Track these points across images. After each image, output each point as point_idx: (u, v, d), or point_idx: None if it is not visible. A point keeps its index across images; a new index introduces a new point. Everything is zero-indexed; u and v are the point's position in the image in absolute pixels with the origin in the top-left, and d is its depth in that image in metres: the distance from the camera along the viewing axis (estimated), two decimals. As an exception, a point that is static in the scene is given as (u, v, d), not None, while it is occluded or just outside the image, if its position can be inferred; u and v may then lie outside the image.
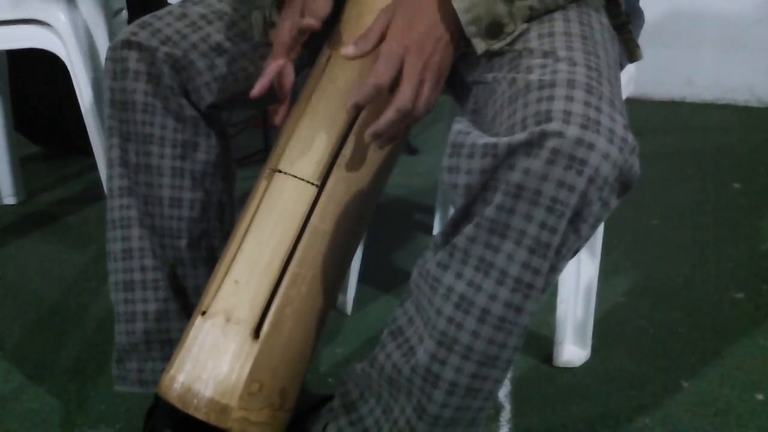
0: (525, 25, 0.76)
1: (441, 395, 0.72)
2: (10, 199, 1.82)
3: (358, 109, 0.78)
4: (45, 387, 1.16)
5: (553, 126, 0.63)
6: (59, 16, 1.31)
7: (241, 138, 2.14)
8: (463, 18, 0.74)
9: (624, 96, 1.09)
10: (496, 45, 0.76)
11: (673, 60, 2.67)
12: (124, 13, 1.59)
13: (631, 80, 1.14)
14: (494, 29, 0.75)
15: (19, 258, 1.58)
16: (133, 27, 0.94)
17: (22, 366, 1.21)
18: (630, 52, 0.94)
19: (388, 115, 0.75)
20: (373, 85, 0.74)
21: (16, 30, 1.34)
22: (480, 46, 0.75)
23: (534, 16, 0.77)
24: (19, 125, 2.01)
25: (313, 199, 0.85)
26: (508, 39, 0.76)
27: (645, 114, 2.54)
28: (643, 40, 0.97)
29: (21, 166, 1.86)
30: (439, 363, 0.71)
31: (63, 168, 2.04)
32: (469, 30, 0.74)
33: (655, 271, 1.52)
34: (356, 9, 0.90)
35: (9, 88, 1.79)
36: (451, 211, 0.75)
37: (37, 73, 1.96)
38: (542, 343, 1.26)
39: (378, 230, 1.66)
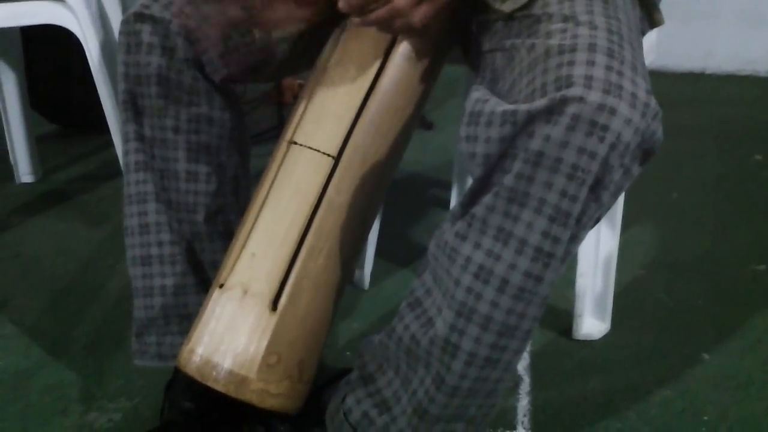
0: None
1: (460, 366, 0.71)
2: (27, 178, 1.83)
3: (348, 6, 0.76)
4: (64, 362, 1.16)
5: (574, 91, 0.62)
6: (72, -8, 1.31)
7: (255, 115, 2.14)
8: None
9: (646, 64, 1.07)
10: (513, 4, 0.74)
11: (693, 32, 2.62)
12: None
13: (652, 48, 1.12)
14: None
15: (37, 236, 1.59)
16: (145, 0, 0.93)
17: (40, 342, 1.22)
18: (650, 18, 0.92)
19: (380, 12, 0.74)
20: None
21: (28, 6, 1.34)
22: (496, 3, 0.73)
23: None
24: (35, 104, 2.01)
25: (329, 171, 0.84)
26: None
27: (664, 87, 2.49)
28: (664, 11, 0.95)
29: (37, 144, 1.86)
30: (457, 333, 0.70)
31: (79, 146, 2.04)
32: None
33: (675, 244, 1.51)
34: None
35: (24, 67, 1.79)
36: (469, 183, 0.74)
37: (52, 51, 1.96)
38: (561, 317, 1.25)
39: (394, 205, 1.65)
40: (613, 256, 1.19)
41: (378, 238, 1.37)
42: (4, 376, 1.14)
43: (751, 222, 1.58)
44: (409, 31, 0.79)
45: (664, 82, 2.55)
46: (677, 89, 2.50)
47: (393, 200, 1.68)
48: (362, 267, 1.35)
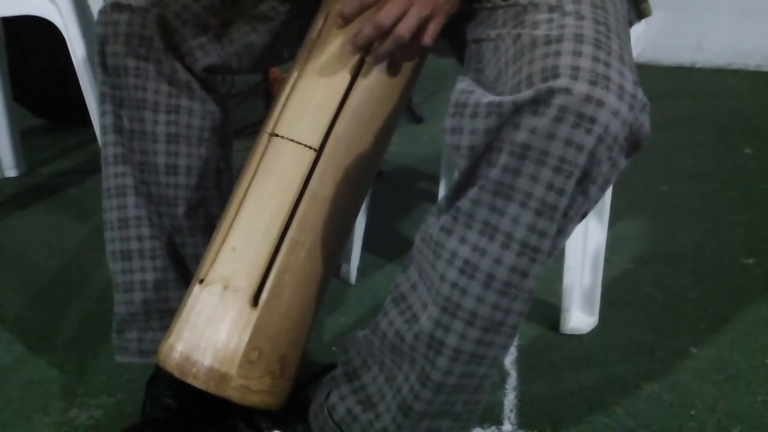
0: None
1: (445, 362, 0.70)
2: (11, 172, 1.81)
3: (343, 20, 0.79)
4: (46, 358, 1.15)
5: (561, 82, 0.60)
6: (53, -18, 1.28)
7: (243, 108, 2.12)
8: None
9: (633, 55, 1.06)
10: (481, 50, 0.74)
11: (683, 24, 2.61)
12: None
13: (640, 39, 1.11)
14: None
15: (21, 229, 1.57)
16: (122, -11, 0.91)
17: (23, 337, 1.20)
18: (638, 9, 0.91)
19: (366, 28, 0.76)
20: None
21: (10, -4, 1.32)
22: None
23: None
24: (19, 97, 1.98)
25: (311, 163, 0.82)
26: None
27: (654, 80, 2.49)
28: (653, 3, 0.94)
29: (22, 138, 1.84)
30: (442, 329, 0.69)
31: (64, 139, 2.02)
32: None
33: (664, 237, 1.50)
34: None
35: (7, 59, 1.76)
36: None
37: (36, 43, 1.93)
38: (549, 311, 1.24)
39: (382, 199, 1.64)
40: (601, 249, 1.18)
41: (365, 232, 1.36)
42: (-16, 373, 1.12)
43: (741, 215, 1.57)
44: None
45: (654, 75, 2.54)
46: (667, 82, 2.50)
47: (381, 194, 1.67)
48: (349, 261, 1.34)
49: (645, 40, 1.15)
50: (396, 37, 0.76)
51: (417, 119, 2.10)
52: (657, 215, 1.59)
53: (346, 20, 0.79)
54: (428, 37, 0.77)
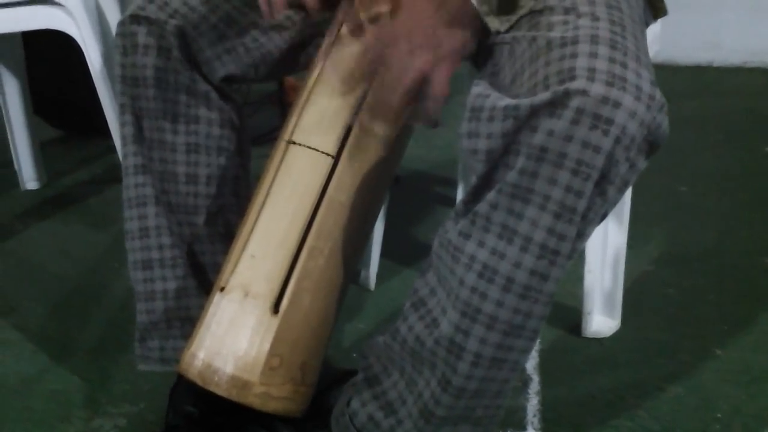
0: None
1: (465, 367, 0.70)
2: (31, 184, 1.82)
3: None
4: (68, 367, 1.16)
5: (577, 84, 0.60)
6: (70, -5, 1.30)
7: (259, 116, 2.13)
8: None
9: (649, 57, 1.05)
10: (508, 22, 0.72)
11: (699, 23, 2.59)
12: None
13: (657, 39, 1.10)
14: (507, 4, 0.71)
15: (42, 241, 1.59)
16: (141, 1, 0.92)
17: (45, 347, 1.21)
18: (654, 8, 0.90)
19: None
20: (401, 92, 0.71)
21: (27, 11, 1.33)
22: (493, 24, 0.72)
23: None
24: (38, 109, 2.00)
25: (329, 170, 0.82)
26: (525, 10, 0.72)
27: (670, 79, 2.47)
28: (669, 2, 0.94)
29: (41, 150, 1.86)
30: (462, 334, 0.69)
31: (83, 150, 2.04)
32: (482, 9, 0.71)
33: (683, 238, 1.49)
34: None
35: (26, 72, 1.78)
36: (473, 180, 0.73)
37: (54, 55, 1.95)
38: (570, 314, 1.23)
39: (399, 204, 1.64)
40: (621, 251, 1.17)
41: (383, 238, 1.36)
42: (8, 382, 1.13)
43: (761, 214, 1.56)
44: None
45: (669, 74, 2.52)
46: (684, 81, 2.48)
47: (398, 199, 1.66)
48: (367, 267, 1.34)
49: (661, 39, 1.15)
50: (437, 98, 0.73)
51: (433, 123, 2.10)
52: (676, 216, 1.58)
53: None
54: (442, 87, 0.72)
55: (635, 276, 1.35)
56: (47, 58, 1.97)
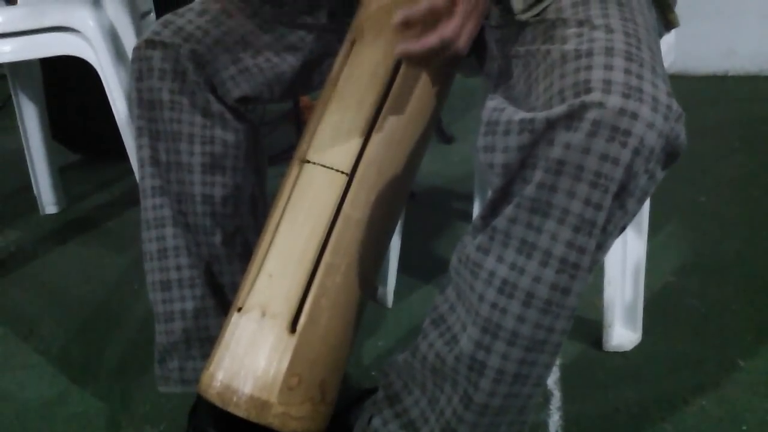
0: None
1: (488, 383, 0.69)
2: (51, 209, 1.84)
3: (405, 24, 0.72)
4: (89, 390, 1.16)
5: (593, 96, 0.60)
6: (87, 22, 1.32)
7: (275, 135, 2.14)
8: None
9: (664, 67, 1.05)
10: (537, 4, 0.72)
11: (715, 32, 2.58)
12: (152, 15, 1.59)
13: (671, 50, 1.10)
14: None
15: (62, 264, 1.60)
16: (155, 26, 0.93)
17: (66, 370, 1.22)
18: (666, 20, 0.90)
19: (431, 39, 0.71)
20: (427, 4, 0.70)
21: (45, 38, 1.35)
22: (518, 4, 0.72)
23: None
24: (57, 134, 2.02)
25: (343, 187, 0.82)
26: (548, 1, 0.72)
27: (687, 89, 2.46)
28: (682, 11, 0.93)
29: (61, 174, 1.87)
30: (484, 350, 0.68)
31: (102, 174, 2.06)
32: None
33: (704, 247, 1.47)
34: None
35: (45, 98, 1.80)
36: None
37: (72, 81, 1.98)
38: (591, 327, 1.22)
39: (416, 220, 1.63)
40: (641, 262, 1.16)
41: (400, 254, 1.36)
42: (30, 407, 1.14)
43: (783, 222, 1.54)
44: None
45: (687, 84, 2.51)
46: (701, 91, 2.46)
47: (415, 215, 1.66)
48: (385, 284, 1.34)
49: (676, 49, 1.14)
50: (457, 50, 0.73)
51: (447, 139, 2.10)
52: (696, 225, 1.56)
53: (406, 26, 0.72)
54: (464, 37, 0.73)
55: (657, 287, 1.33)
56: (65, 84, 1.99)
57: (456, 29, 0.71)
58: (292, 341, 0.80)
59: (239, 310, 0.83)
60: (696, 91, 2.46)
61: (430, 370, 0.75)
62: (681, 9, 0.93)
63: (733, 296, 1.29)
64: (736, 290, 1.31)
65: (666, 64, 1.07)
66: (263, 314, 0.81)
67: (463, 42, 0.73)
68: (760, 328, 1.20)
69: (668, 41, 1.07)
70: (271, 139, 2.08)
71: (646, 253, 1.16)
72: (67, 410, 1.12)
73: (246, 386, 0.79)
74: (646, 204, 1.14)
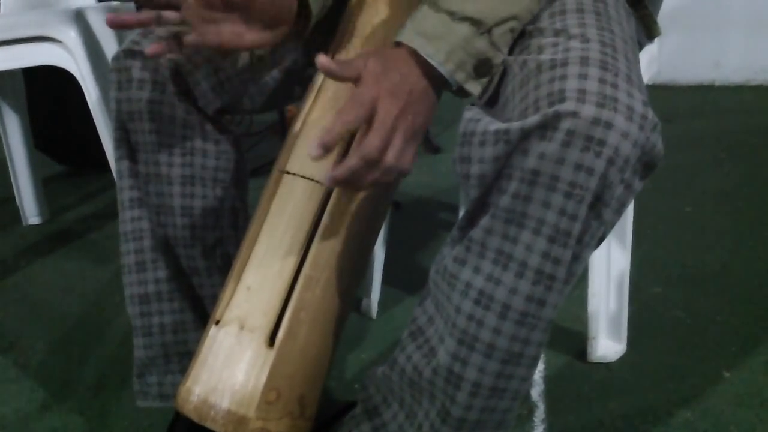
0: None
1: (464, 397, 0.68)
2: (34, 220, 1.83)
3: (325, 150, 0.66)
4: (68, 404, 1.14)
5: (567, 106, 0.59)
6: (68, 32, 1.31)
7: (261, 146, 2.13)
8: (445, 70, 0.68)
9: (647, 78, 1.04)
10: (492, 81, 0.71)
11: (700, 43, 2.60)
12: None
13: (654, 60, 1.10)
14: (482, 66, 0.70)
15: (43, 276, 1.58)
16: (135, 36, 0.92)
17: (45, 383, 1.20)
18: (648, 29, 0.90)
19: (351, 161, 0.67)
20: (340, 125, 0.66)
21: (27, 48, 1.34)
22: (475, 88, 0.70)
23: (516, 35, 0.72)
24: (41, 144, 2.01)
25: (323, 198, 0.82)
26: (500, 69, 0.71)
27: (673, 100, 2.47)
28: (668, 23, 0.93)
29: (44, 185, 1.86)
30: (460, 363, 0.67)
31: (86, 185, 2.05)
32: (458, 77, 0.69)
33: (690, 259, 1.47)
34: (355, 16, 0.87)
35: (28, 108, 1.79)
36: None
37: (56, 91, 1.97)
38: (575, 339, 1.21)
39: (402, 231, 1.63)
40: (625, 273, 1.16)
41: (385, 265, 1.35)
42: (8, 421, 1.12)
43: (769, 233, 1.54)
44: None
45: (672, 95, 2.53)
46: (686, 102, 2.48)
47: (401, 225, 1.66)
48: (369, 295, 1.33)
49: (662, 60, 1.14)
50: (387, 168, 0.68)
51: (434, 149, 2.10)
52: (682, 236, 1.56)
53: (326, 152, 0.67)
54: (392, 153, 0.68)
55: (642, 298, 1.33)
56: (50, 94, 1.99)
57: (377, 144, 0.66)
58: (270, 355, 0.79)
59: (217, 323, 0.82)
60: (682, 101, 2.48)
61: (408, 383, 0.74)
62: (668, 21, 0.93)
63: (719, 307, 1.29)
64: (722, 301, 1.31)
65: (650, 74, 1.07)
66: (241, 328, 0.80)
67: (391, 157, 0.67)
68: (745, 340, 1.19)
69: (651, 51, 1.07)
70: (258, 150, 2.07)
71: (631, 264, 1.16)
72: (45, 425, 1.10)
73: (223, 401, 0.78)
74: (629, 214, 1.14)
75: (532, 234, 0.62)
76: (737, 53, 2.59)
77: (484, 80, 0.70)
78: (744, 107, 2.40)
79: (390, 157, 0.68)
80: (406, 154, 0.69)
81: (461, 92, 0.72)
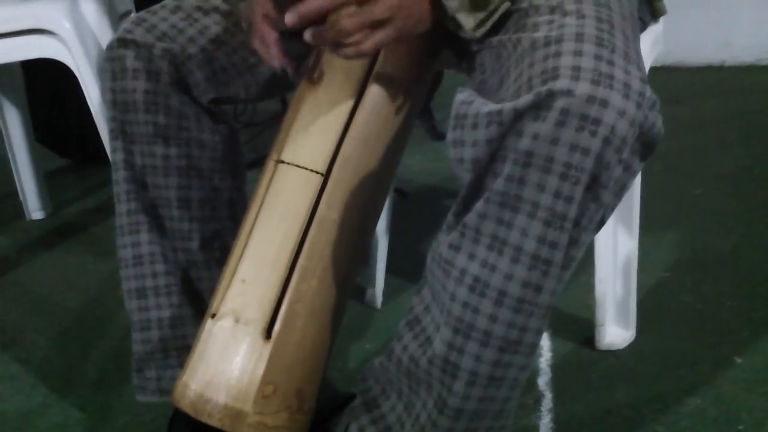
0: None
1: (461, 386, 0.66)
2: (37, 214, 1.82)
3: (300, 19, 0.68)
4: (70, 400, 1.13)
5: (561, 83, 0.57)
6: (63, 24, 1.29)
7: (263, 137, 2.11)
8: None
9: (652, 58, 1.02)
10: (488, 19, 0.68)
11: (709, 23, 2.55)
12: (132, 16, 1.56)
13: (660, 39, 1.07)
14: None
15: (46, 271, 1.58)
16: (128, 24, 0.91)
17: (47, 379, 1.19)
18: (652, 8, 0.87)
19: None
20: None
21: (21, 41, 1.33)
22: (468, 21, 0.68)
23: None
24: (43, 138, 2.01)
25: (318, 188, 0.80)
26: (501, 9, 0.68)
27: (683, 81, 2.43)
28: (675, 1, 0.90)
29: (47, 179, 1.85)
30: (456, 352, 0.66)
31: (88, 179, 2.04)
32: (452, 5, 0.67)
33: (699, 242, 1.44)
34: None
35: (28, 101, 1.78)
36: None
37: (56, 83, 1.96)
38: (582, 326, 1.19)
39: (405, 219, 1.61)
40: (633, 258, 1.13)
41: (389, 254, 1.33)
42: (8, 417, 1.11)
43: (780, 215, 1.51)
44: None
45: (682, 76, 2.48)
46: (696, 83, 2.44)
47: (404, 213, 1.64)
48: (374, 285, 1.31)
49: (671, 40, 1.11)
50: (348, 26, 0.67)
51: (439, 136, 2.07)
52: (692, 220, 1.54)
53: (301, 19, 0.68)
54: (368, 44, 0.69)
55: (650, 284, 1.30)
56: (50, 87, 1.98)
57: (355, 28, 0.66)
58: (266, 348, 0.77)
59: (213, 316, 0.80)
60: (692, 82, 2.44)
61: (405, 373, 0.73)
62: (676, 1, 0.90)
63: (729, 292, 1.26)
64: (732, 286, 1.28)
65: (655, 53, 1.04)
66: (237, 321, 0.79)
67: (368, 45, 0.68)
68: (757, 325, 1.17)
69: (656, 30, 1.04)
70: (261, 141, 2.05)
71: (640, 249, 1.13)
72: (46, 421, 1.10)
73: (220, 395, 0.77)
74: (636, 197, 1.12)
75: (527, 218, 0.60)
76: (748, 32, 2.54)
77: (480, 15, 0.67)
78: (755, 87, 2.36)
79: (357, 20, 0.66)
80: (375, 36, 0.68)
81: (455, 25, 0.69)
